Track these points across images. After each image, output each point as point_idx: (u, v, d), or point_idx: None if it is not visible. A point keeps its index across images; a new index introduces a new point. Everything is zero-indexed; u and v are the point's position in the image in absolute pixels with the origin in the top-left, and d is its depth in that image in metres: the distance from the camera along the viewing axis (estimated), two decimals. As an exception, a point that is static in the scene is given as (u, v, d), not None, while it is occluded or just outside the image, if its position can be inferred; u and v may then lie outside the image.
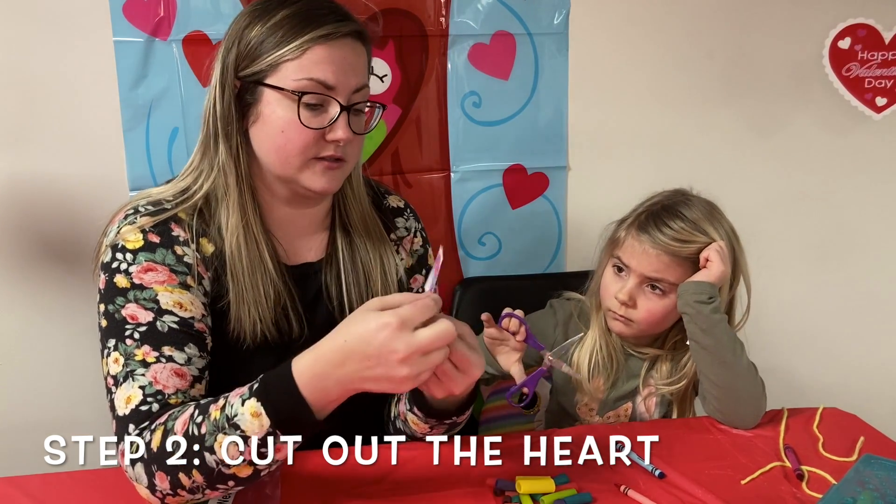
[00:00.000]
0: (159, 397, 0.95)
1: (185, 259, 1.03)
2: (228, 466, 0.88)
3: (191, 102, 1.63)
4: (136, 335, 0.98)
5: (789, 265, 1.95)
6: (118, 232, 1.03)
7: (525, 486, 0.97)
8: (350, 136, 1.04)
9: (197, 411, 0.91)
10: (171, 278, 1.01)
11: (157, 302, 0.99)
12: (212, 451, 0.88)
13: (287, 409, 0.86)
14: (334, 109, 1.03)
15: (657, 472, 1.03)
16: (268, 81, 1.02)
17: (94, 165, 1.63)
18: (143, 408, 0.95)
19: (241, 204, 1.06)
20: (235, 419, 0.87)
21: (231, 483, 0.91)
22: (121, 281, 1.00)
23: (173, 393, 0.97)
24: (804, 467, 1.05)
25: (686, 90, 1.83)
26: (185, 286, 1.02)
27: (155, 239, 1.02)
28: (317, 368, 0.86)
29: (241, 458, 0.88)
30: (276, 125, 1.03)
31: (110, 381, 0.98)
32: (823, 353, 2.00)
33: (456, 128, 1.74)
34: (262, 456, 0.88)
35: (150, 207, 1.05)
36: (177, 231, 1.04)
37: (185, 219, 1.06)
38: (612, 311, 1.30)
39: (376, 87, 1.69)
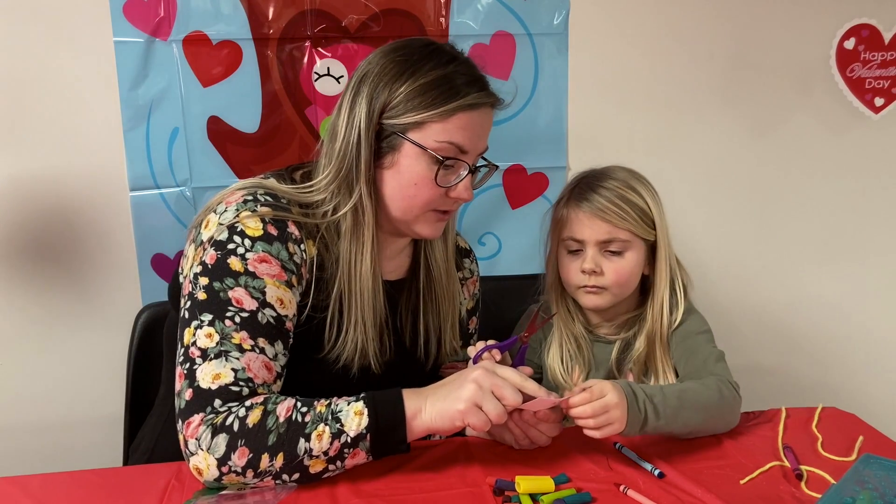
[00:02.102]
0: (250, 384, 1.00)
1: (295, 258, 1.07)
2: (311, 457, 0.96)
3: (191, 102, 1.64)
4: (238, 319, 1.01)
5: (789, 264, 1.96)
6: (237, 214, 1.04)
7: (525, 485, 0.97)
8: (472, 197, 1.13)
9: (300, 403, 0.99)
10: (280, 274, 1.04)
11: (263, 293, 1.02)
12: (308, 439, 0.96)
13: (386, 417, 0.98)
14: (462, 171, 1.11)
15: (657, 472, 1.04)
16: (410, 136, 1.07)
17: (94, 165, 1.63)
18: (234, 388, 0.99)
19: (373, 239, 1.10)
20: (339, 414, 0.97)
21: (296, 476, 0.97)
22: (234, 263, 1.02)
23: (261, 384, 1.01)
24: (803, 467, 1.05)
25: (686, 90, 1.83)
26: (289, 284, 1.05)
27: (273, 231, 1.05)
28: (421, 390, 1.01)
29: (325, 452, 0.96)
30: (410, 178, 1.09)
31: (195, 352, 1.00)
32: (823, 353, 2.01)
33: (456, 128, 1.74)
34: (340, 458, 0.97)
35: (268, 199, 1.07)
36: (292, 228, 1.07)
37: (300, 220, 1.09)
38: (582, 285, 1.31)
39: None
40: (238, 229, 1.03)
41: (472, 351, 1.18)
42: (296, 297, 1.07)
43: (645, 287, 1.36)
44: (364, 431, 0.96)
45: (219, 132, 1.67)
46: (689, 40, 1.80)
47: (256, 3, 1.63)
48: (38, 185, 1.63)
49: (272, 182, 1.11)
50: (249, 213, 1.04)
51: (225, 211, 1.06)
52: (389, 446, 0.99)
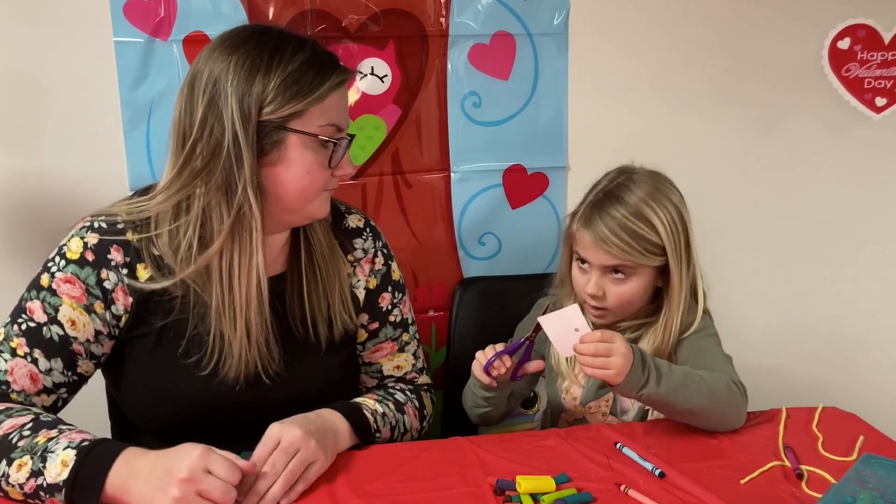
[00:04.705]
0: (3, 387, 1.03)
1: (105, 284, 1.07)
2: (8, 483, 0.94)
3: (191, 103, 1.63)
4: (24, 326, 1.05)
5: (789, 264, 1.96)
6: (70, 238, 1.09)
7: (525, 485, 0.98)
8: (355, 169, 1.14)
9: (32, 424, 0.98)
10: (81, 297, 1.06)
11: (57, 311, 1.05)
12: (10, 463, 0.94)
13: (84, 483, 0.91)
14: (341, 149, 1.10)
15: (657, 472, 1.04)
16: (293, 126, 1.05)
17: (94, 166, 1.63)
18: None
19: (262, 244, 1.07)
20: (48, 454, 0.93)
21: None
22: (44, 279, 1.07)
23: (18, 391, 1.04)
24: (803, 467, 1.05)
25: (686, 90, 1.83)
26: (89, 309, 1.07)
27: (90, 257, 1.07)
28: (135, 464, 0.92)
29: (21, 486, 0.93)
30: (302, 167, 1.07)
31: None
32: (823, 352, 2.01)
33: (456, 128, 1.74)
34: (37, 498, 0.93)
35: (104, 225, 1.09)
36: (115, 255, 1.08)
37: (133, 241, 1.08)
38: (587, 303, 1.31)
39: (376, 88, 1.69)
40: (63, 251, 1.08)
41: (481, 356, 1.17)
42: (96, 322, 1.07)
43: (660, 294, 1.33)
44: (61, 484, 0.91)
45: (219, 132, 1.67)
46: (689, 40, 1.80)
47: (256, 3, 1.63)
48: (38, 185, 1.62)
49: (121, 205, 1.11)
50: (77, 237, 1.08)
51: (69, 234, 1.10)
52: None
